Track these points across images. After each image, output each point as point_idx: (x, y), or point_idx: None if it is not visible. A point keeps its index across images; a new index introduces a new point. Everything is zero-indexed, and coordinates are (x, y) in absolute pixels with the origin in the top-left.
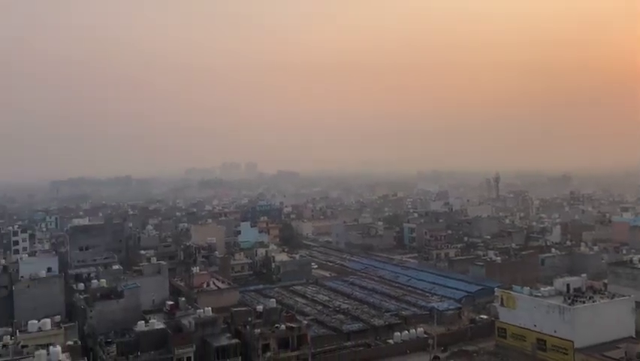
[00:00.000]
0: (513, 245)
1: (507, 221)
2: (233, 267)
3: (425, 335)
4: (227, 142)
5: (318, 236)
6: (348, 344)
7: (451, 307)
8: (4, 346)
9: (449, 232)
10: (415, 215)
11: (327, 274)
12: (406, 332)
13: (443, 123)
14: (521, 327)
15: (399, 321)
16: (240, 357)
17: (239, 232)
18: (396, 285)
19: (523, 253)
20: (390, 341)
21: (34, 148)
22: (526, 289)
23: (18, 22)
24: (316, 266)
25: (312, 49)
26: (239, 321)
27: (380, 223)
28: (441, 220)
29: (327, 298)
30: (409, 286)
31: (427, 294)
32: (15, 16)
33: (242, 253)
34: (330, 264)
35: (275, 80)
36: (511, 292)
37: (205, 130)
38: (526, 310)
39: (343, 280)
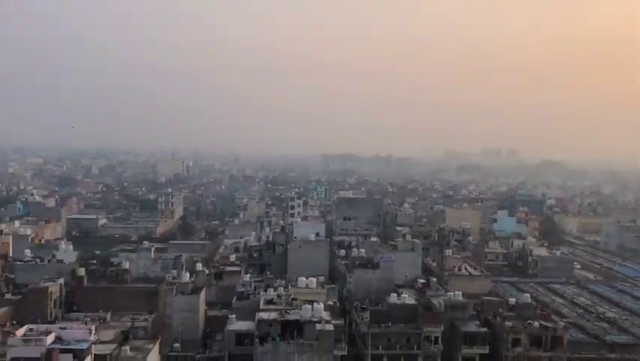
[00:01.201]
0: None
1: None
2: (487, 255)
3: None
4: (488, 127)
5: (584, 234)
6: (612, 356)
7: None
8: (278, 296)
9: None
10: None
11: (591, 276)
12: None
13: None
14: None
15: None
16: (488, 347)
17: (495, 220)
18: None
19: None
20: None
21: (309, 126)
22: None
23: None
24: (579, 266)
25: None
26: (489, 310)
27: None
28: None
29: (589, 302)
30: None
31: None
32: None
33: (497, 242)
34: (597, 266)
35: (548, 66)
36: None
37: (466, 113)
38: None
39: (611, 285)
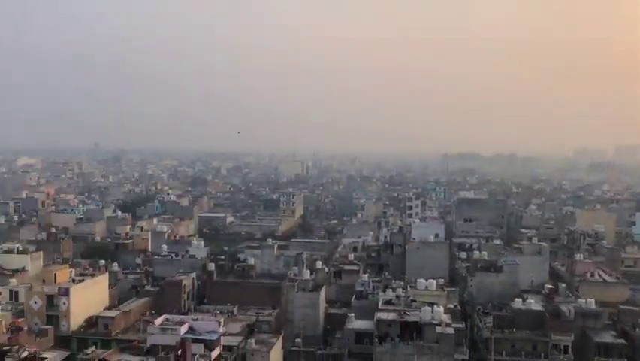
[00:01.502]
0: None
1: None
2: (624, 260)
3: None
4: (623, 123)
5: None
6: None
7: None
8: (397, 297)
9: None
10: None
11: None
12: None
13: None
14: None
15: None
16: (626, 360)
17: (633, 223)
18: None
19: None
20: None
21: (428, 125)
22: None
23: None
24: None
25: None
26: (627, 321)
27: None
28: None
29: None
30: None
31: None
32: None
33: (635, 247)
34: None
35: None
36: None
37: (596, 111)
38: None
39: None
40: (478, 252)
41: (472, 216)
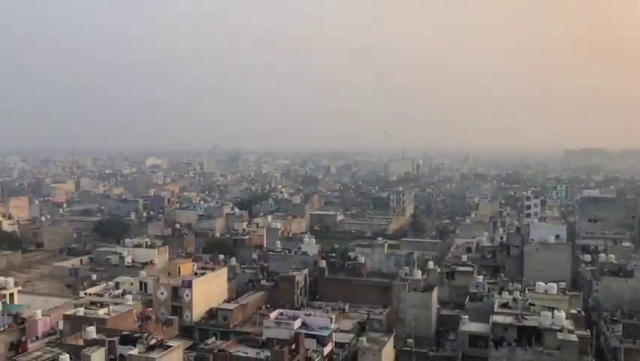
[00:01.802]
0: None
1: None
2: None
3: None
4: None
5: None
6: None
7: None
8: (514, 300)
9: None
10: None
11: None
12: None
13: None
14: None
15: None
16: None
17: None
18: None
19: None
20: None
21: (549, 120)
22: None
23: None
24: None
25: None
26: None
27: None
28: None
29: None
30: None
31: None
32: None
33: None
34: None
35: None
36: None
37: None
38: None
39: None
40: (604, 255)
41: (597, 216)
